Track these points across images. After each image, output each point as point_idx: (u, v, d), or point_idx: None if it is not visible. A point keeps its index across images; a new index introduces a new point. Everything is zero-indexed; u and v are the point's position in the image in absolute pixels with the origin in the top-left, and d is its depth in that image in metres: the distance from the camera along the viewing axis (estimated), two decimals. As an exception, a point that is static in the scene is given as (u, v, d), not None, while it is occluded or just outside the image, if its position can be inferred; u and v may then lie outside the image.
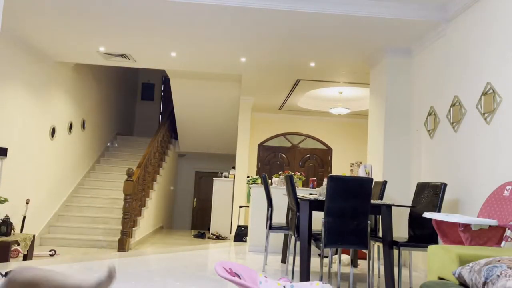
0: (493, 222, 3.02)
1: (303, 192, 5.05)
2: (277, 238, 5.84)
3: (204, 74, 8.00)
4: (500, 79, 3.71)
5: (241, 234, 7.72)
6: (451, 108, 4.48)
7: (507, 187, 3.24)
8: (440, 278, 2.32)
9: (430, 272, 2.43)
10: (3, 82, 5.86)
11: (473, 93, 4.10)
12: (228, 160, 11.63)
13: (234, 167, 9.47)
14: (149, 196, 8.62)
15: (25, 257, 5.28)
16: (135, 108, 13.19)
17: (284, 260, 5.26)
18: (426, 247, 3.70)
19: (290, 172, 6.71)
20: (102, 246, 7.01)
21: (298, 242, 4.08)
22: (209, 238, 9.23)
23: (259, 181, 7.45)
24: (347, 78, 7.27)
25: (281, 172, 7.22)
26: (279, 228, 4.82)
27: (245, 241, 7.47)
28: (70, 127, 8.02)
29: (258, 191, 6.27)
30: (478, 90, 4.02)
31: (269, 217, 4.84)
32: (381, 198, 4.82)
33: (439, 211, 3.89)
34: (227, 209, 9.38)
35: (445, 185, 3.94)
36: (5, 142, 5.96)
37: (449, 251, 2.26)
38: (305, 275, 3.74)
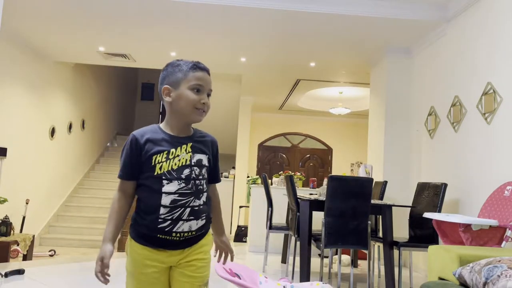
0: (493, 222, 3.02)
1: (303, 192, 5.05)
2: (277, 238, 5.84)
3: (204, 74, 7.98)
4: (501, 79, 3.70)
5: (241, 234, 7.71)
6: (452, 108, 4.48)
7: (508, 187, 3.24)
8: (441, 279, 2.31)
9: (431, 272, 2.43)
10: (3, 81, 5.85)
11: (474, 93, 4.09)
12: (228, 160, 11.62)
13: (234, 167, 9.46)
14: (149, 196, 8.61)
15: (25, 257, 5.27)
16: (135, 108, 13.18)
17: (284, 260, 5.25)
18: (427, 247, 3.69)
19: (290, 172, 6.71)
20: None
21: (298, 242, 4.07)
22: (209, 238, 9.21)
23: (259, 181, 7.44)
24: (347, 78, 7.26)
25: (281, 172, 7.21)
26: (279, 228, 4.82)
27: (245, 241, 7.46)
28: (70, 127, 8.01)
29: (258, 191, 6.26)
30: (478, 90, 4.01)
31: (269, 217, 4.83)
32: (381, 198, 4.81)
33: (439, 211, 3.89)
34: (227, 209, 9.36)
35: (445, 185, 3.93)
36: (5, 142, 5.95)
37: (450, 251, 2.26)
38: (305, 276, 3.74)
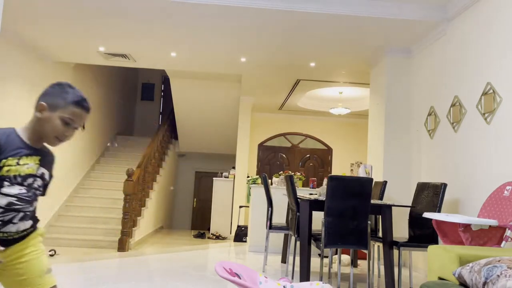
0: (493, 222, 3.02)
1: (303, 192, 5.05)
2: (277, 238, 5.84)
3: (204, 74, 8.00)
4: (500, 79, 3.71)
5: (241, 234, 7.72)
6: (451, 108, 4.48)
7: (507, 187, 3.24)
8: (440, 278, 2.32)
9: (430, 272, 2.43)
10: (3, 82, 5.86)
11: (473, 93, 4.10)
12: (228, 160, 11.62)
13: (234, 167, 9.47)
14: (149, 196, 8.61)
15: (25, 257, 5.27)
16: (135, 108, 13.18)
17: (284, 260, 5.25)
18: (426, 247, 3.70)
19: (290, 172, 6.71)
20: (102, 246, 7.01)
21: (298, 242, 4.08)
22: (209, 238, 9.23)
23: (259, 181, 7.45)
24: (347, 78, 7.27)
25: (281, 172, 7.22)
26: (279, 228, 4.82)
27: (245, 241, 7.47)
28: (70, 127, 8.01)
29: (258, 191, 6.27)
30: (478, 90, 4.02)
31: (269, 217, 4.84)
32: (381, 198, 4.82)
33: (439, 211, 3.89)
34: (227, 209, 9.37)
35: (445, 185, 3.93)
36: (5, 142, 5.94)
37: (449, 251, 2.26)
38: (305, 275, 3.74)
